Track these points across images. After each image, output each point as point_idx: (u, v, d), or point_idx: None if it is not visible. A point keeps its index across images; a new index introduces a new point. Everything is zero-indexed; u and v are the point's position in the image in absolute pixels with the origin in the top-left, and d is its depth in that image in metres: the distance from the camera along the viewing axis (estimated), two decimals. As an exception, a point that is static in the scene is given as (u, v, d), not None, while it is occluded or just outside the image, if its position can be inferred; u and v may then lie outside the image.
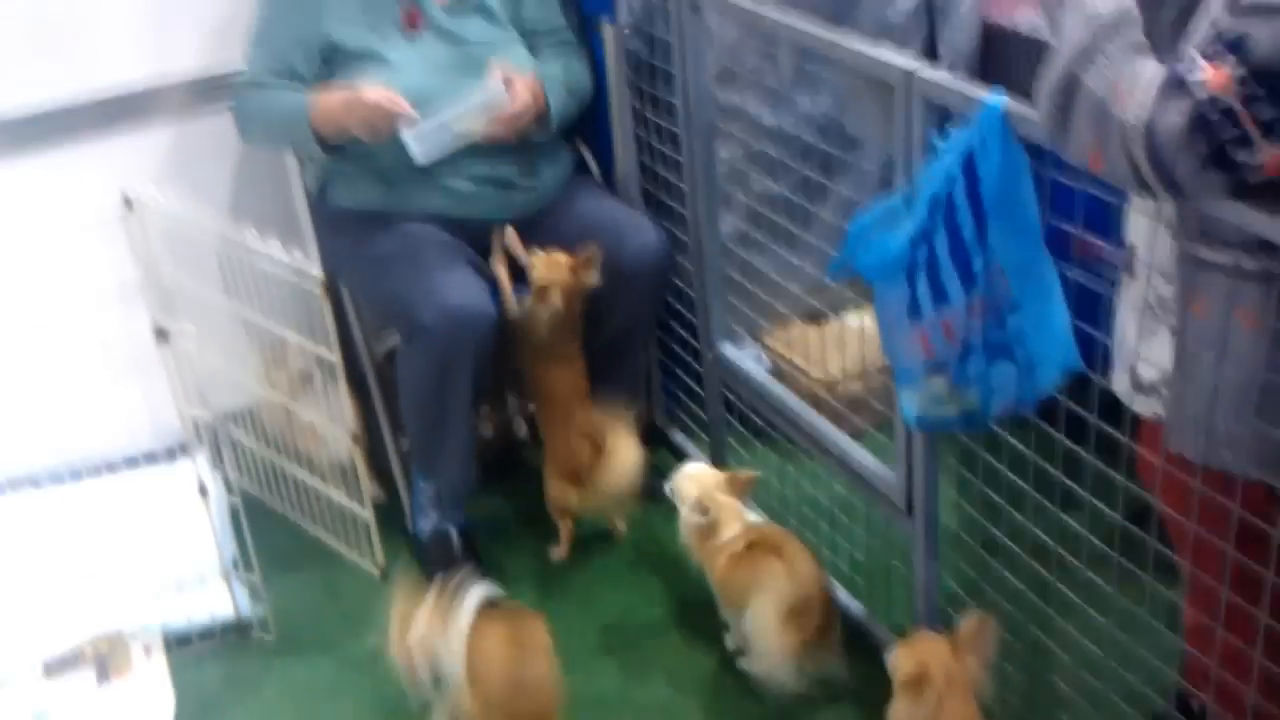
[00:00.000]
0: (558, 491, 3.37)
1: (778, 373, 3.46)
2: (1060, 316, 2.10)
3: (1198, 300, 1.89)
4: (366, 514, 3.34)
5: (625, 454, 3.24)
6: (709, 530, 2.98)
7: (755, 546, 2.91)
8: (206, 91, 3.56)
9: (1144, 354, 2.08)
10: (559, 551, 3.43)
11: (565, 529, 3.42)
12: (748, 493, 3.06)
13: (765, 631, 2.82)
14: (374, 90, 3.08)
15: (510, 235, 3.30)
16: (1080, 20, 1.79)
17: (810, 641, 2.82)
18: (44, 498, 3.60)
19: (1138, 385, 2.10)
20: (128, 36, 3.51)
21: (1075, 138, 1.80)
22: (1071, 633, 2.46)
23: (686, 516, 3.03)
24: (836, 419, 3.03)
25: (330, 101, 3.15)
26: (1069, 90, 1.78)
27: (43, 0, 3.41)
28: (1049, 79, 1.82)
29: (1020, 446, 2.39)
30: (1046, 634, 2.55)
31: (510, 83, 3.15)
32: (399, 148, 3.12)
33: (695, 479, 3.07)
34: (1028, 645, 2.63)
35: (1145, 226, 2.01)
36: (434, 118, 3.11)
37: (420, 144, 3.12)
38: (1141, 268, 2.06)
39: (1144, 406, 2.11)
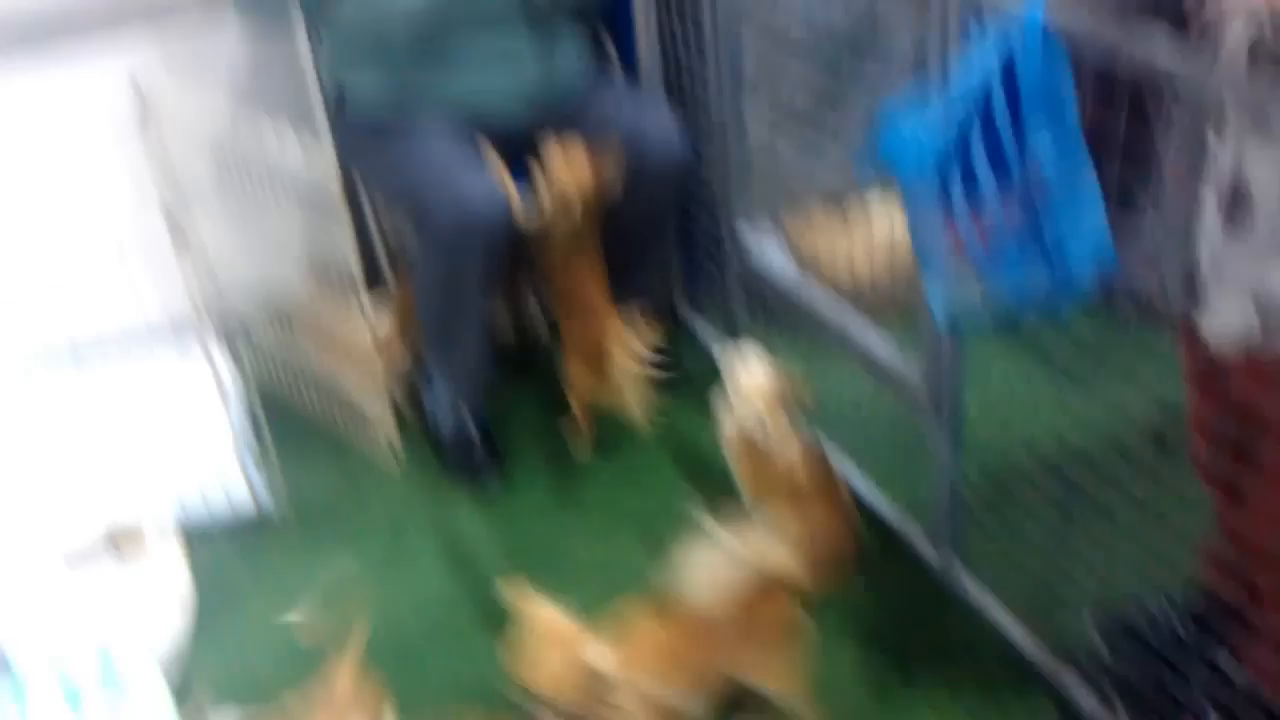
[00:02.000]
0: (579, 384, 3.33)
1: (801, 263, 3.39)
2: (1096, 218, 2.03)
3: None
4: (385, 405, 3.32)
5: (644, 343, 3.19)
6: (762, 449, 2.89)
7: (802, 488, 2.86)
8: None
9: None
10: (580, 447, 3.40)
11: (586, 424, 3.39)
12: (793, 393, 2.97)
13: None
14: None
15: (551, 148, 3.21)
16: None
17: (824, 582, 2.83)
18: (62, 386, 3.58)
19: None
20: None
21: None
22: (1093, 531, 2.43)
23: (740, 424, 2.90)
24: (861, 313, 2.98)
25: None
26: None
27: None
28: None
29: (1048, 346, 2.34)
30: (1068, 534, 2.52)
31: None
32: (406, 22, 3.04)
33: (756, 385, 2.89)
34: (1050, 543, 2.60)
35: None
36: None
37: None
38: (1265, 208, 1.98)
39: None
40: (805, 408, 2.94)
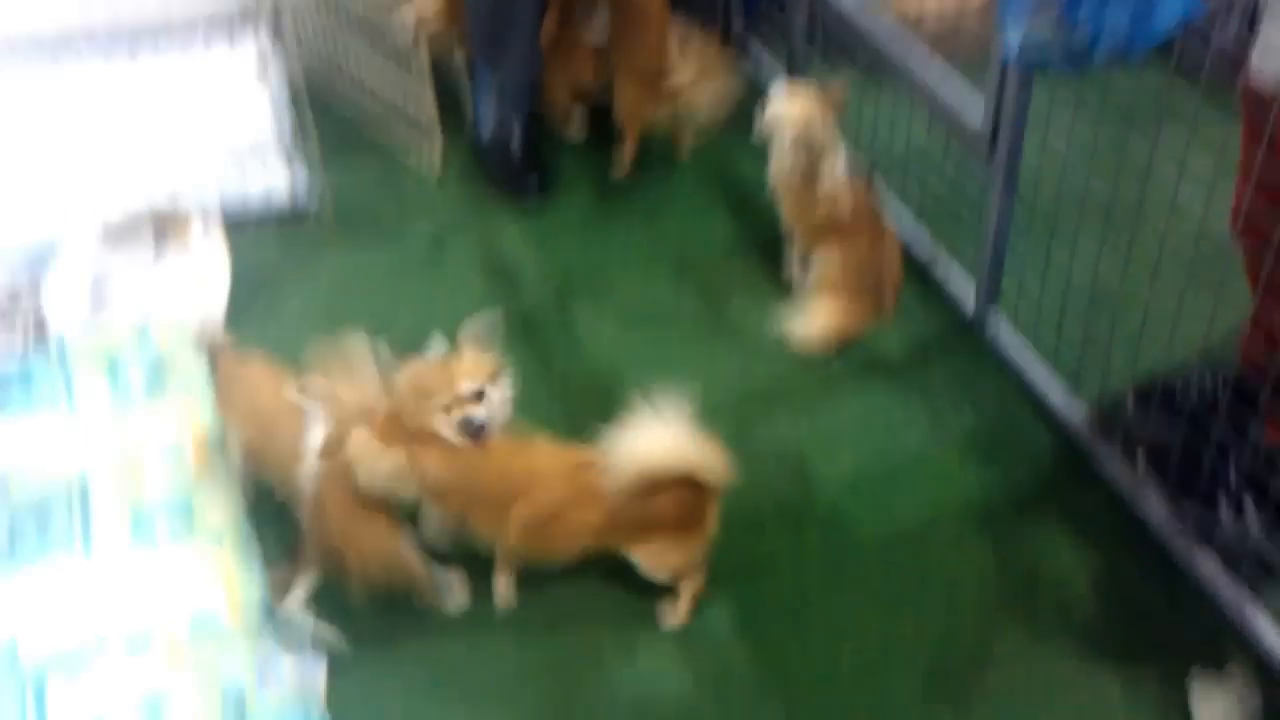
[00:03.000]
0: (630, 99, 3.25)
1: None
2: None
3: None
4: (429, 105, 3.25)
5: (706, 65, 3.10)
6: (808, 172, 2.83)
7: (845, 219, 2.82)
8: None
9: None
10: (621, 167, 3.35)
11: (631, 140, 3.32)
12: (841, 111, 2.88)
13: (819, 305, 2.84)
14: None
15: None
16: None
17: (862, 318, 2.83)
18: (107, 67, 3.51)
19: None
20: None
21: None
22: (1137, 291, 2.40)
23: (786, 152, 2.84)
24: (927, 46, 2.87)
25: None
26: None
27: None
28: None
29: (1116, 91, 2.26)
30: (1110, 291, 2.49)
31: None
32: None
33: (799, 105, 2.82)
34: (1090, 299, 2.58)
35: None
36: None
37: None
38: None
39: None
40: (839, 106, 2.85)
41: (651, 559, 2.28)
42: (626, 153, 3.33)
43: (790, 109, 2.82)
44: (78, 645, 2.20)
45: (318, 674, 2.24)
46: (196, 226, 3.15)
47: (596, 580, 2.37)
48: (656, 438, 2.15)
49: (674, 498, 2.20)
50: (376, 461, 2.17)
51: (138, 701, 2.13)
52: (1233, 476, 2.33)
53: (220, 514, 2.46)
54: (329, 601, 2.36)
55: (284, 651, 2.24)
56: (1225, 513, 2.34)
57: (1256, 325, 2.33)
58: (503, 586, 2.37)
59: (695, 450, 2.17)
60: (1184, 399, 2.48)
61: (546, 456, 2.26)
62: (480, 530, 2.29)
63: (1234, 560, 2.30)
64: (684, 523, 2.25)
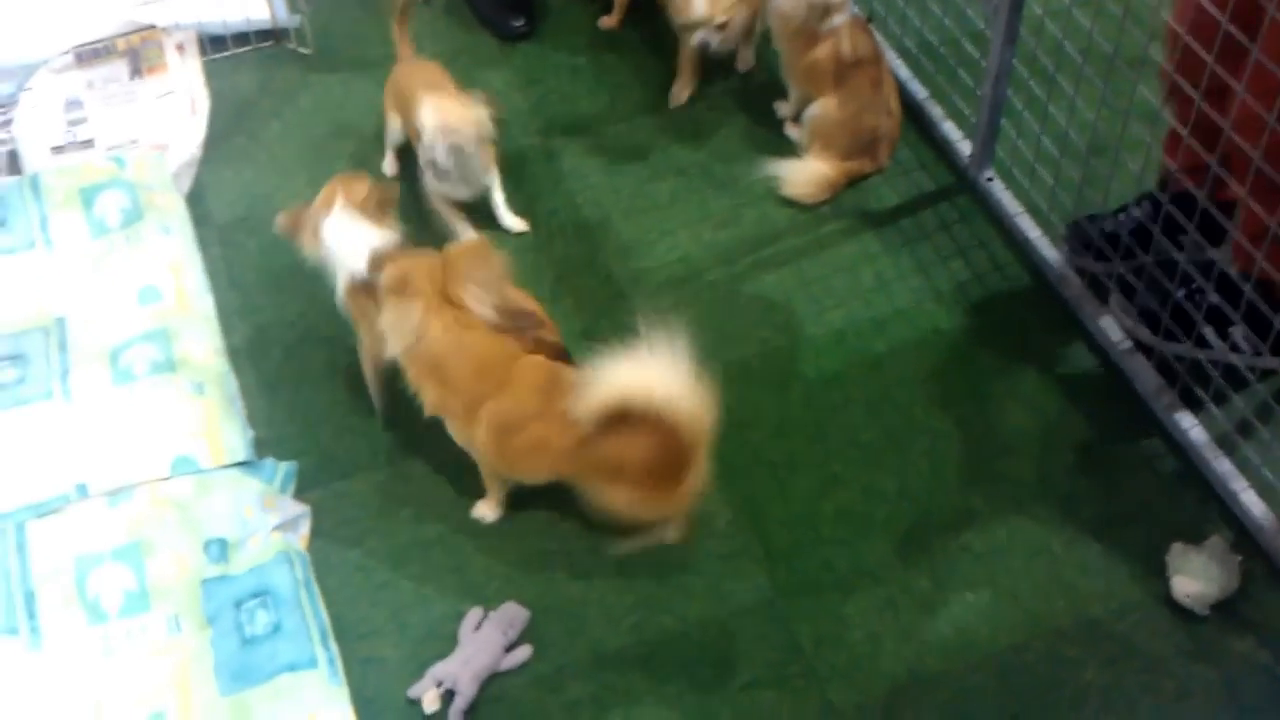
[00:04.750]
0: None
1: None
2: None
3: None
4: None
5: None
6: (810, 14, 2.73)
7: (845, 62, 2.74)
8: None
9: None
10: (610, 20, 3.22)
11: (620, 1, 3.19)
12: None
13: (814, 154, 2.78)
14: None
15: None
16: None
17: (856, 170, 2.78)
18: None
19: None
20: None
21: None
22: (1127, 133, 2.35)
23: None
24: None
25: None
26: None
27: None
28: None
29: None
30: (1111, 138, 2.43)
31: None
32: None
33: None
34: (1094, 146, 2.52)
35: None
36: None
37: None
38: None
39: None
40: None
41: (616, 505, 2.09)
42: (616, 6, 3.20)
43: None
44: (59, 491, 2.20)
45: (301, 519, 2.25)
46: (172, 50, 3.05)
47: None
48: (636, 370, 1.96)
49: (647, 441, 2.00)
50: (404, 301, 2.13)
51: (119, 545, 2.14)
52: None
53: (201, 353, 2.44)
54: (306, 440, 2.36)
55: (266, 496, 2.24)
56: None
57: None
58: (483, 508, 2.31)
59: (675, 391, 1.95)
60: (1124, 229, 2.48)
61: (530, 366, 2.13)
62: (455, 430, 2.22)
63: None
64: (656, 473, 2.04)
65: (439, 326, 2.12)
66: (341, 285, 2.27)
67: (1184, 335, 2.34)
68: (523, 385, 2.11)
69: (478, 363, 2.12)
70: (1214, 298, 2.27)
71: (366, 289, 2.22)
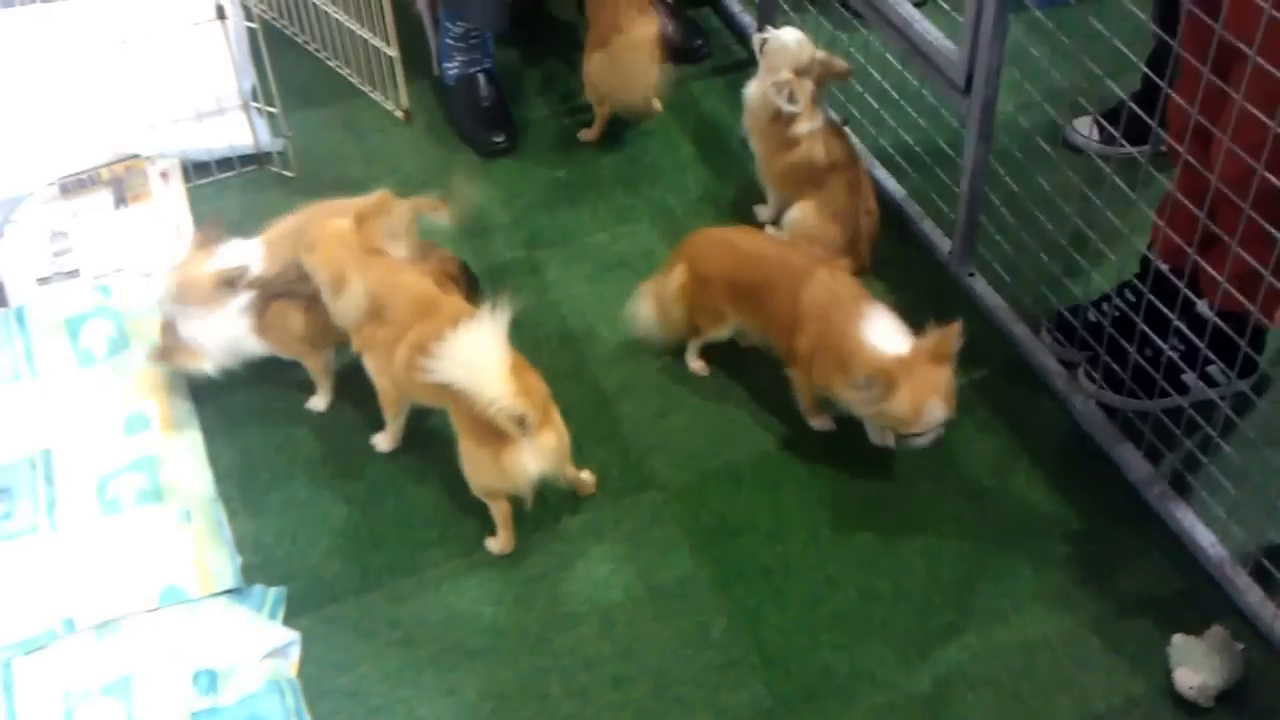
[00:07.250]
0: (597, 71, 3.14)
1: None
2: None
3: None
4: (393, 52, 3.17)
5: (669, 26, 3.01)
6: (784, 125, 2.77)
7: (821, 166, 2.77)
8: None
9: None
10: (589, 133, 3.25)
11: (601, 115, 3.22)
12: (845, 77, 2.84)
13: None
14: None
15: None
16: None
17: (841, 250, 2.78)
18: (60, 13, 3.40)
19: None
20: None
21: None
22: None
23: (765, 93, 2.77)
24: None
25: None
26: None
27: None
28: None
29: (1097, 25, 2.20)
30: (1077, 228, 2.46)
31: None
32: None
33: (791, 53, 2.74)
34: (1059, 239, 2.54)
35: None
36: None
37: None
38: None
39: None
40: (840, 76, 2.81)
41: (462, 457, 2.31)
42: (595, 124, 3.23)
43: (767, 45, 2.77)
44: (46, 627, 2.18)
45: (291, 645, 2.22)
46: (156, 178, 3.07)
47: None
48: (469, 347, 2.15)
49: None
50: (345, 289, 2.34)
51: (107, 682, 2.11)
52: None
53: (188, 480, 2.43)
54: (295, 565, 2.34)
55: (255, 624, 2.22)
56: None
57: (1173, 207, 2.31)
58: (380, 440, 2.53)
59: (486, 377, 2.13)
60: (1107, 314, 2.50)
61: (453, 303, 2.35)
62: (373, 360, 2.40)
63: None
64: (483, 435, 2.21)
65: (374, 279, 2.34)
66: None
67: (1147, 393, 2.40)
68: (443, 316, 2.26)
69: (412, 298, 2.34)
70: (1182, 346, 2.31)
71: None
